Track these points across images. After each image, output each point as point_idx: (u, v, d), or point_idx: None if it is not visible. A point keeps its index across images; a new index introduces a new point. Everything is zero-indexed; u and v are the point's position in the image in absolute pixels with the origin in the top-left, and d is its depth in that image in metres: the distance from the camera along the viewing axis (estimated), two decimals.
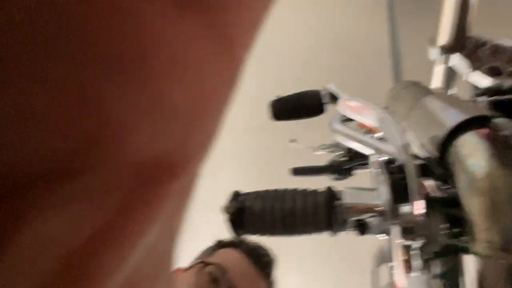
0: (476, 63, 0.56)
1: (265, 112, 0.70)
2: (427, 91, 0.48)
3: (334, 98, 0.60)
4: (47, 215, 0.09)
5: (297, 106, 0.62)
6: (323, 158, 0.89)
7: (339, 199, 0.44)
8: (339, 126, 0.73)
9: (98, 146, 0.09)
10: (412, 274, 0.38)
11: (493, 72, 0.54)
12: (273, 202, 0.46)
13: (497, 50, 0.58)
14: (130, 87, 0.09)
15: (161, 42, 0.09)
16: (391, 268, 0.37)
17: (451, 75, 0.71)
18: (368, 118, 0.49)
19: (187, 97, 0.10)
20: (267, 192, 0.47)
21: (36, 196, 0.09)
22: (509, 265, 0.26)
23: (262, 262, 0.80)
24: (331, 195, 0.44)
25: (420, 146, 0.45)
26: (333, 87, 0.59)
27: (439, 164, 0.39)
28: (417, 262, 0.38)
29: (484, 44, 0.61)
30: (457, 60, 0.62)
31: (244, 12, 0.10)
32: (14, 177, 0.08)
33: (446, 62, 0.68)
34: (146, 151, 0.09)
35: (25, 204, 0.09)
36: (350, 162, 0.80)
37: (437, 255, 0.40)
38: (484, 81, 0.52)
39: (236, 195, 0.47)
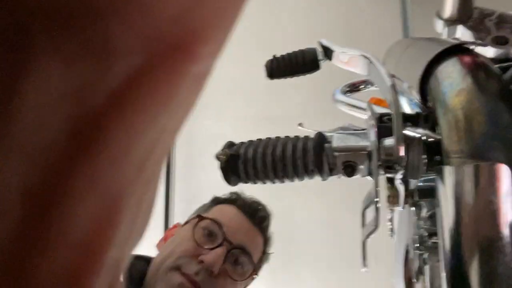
0: (481, 34, 0.56)
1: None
2: (419, 39, 0.49)
3: (328, 54, 0.60)
4: (57, 66, 0.08)
5: (292, 63, 0.63)
6: None
7: (329, 142, 0.45)
8: (341, 96, 0.73)
9: None
10: (398, 208, 0.39)
11: (499, 41, 0.54)
12: (264, 149, 0.47)
13: (503, 20, 0.59)
14: None
15: None
16: (376, 203, 0.38)
17: None
18: (358, 68, 0.50)
19: None
20: (260, 141, 0.49)
21: (41, 45, 0.08)
22: (478, 175, 0.27)
23: (258, 217, 0.82)
24: (320, 139, 0.45)
25: (408, 92, 0.46)
26: (324, 42, 0.60)
27: (424, 104, 0.40)
28: (401, 196, 0.39)
29: (490, 14, 0.61)
30: (461, 32, 0.62)
31: None
32: (16, 22, 0.07)
33: (450, 34, 0.68)
34: (163, 9, 0.08)
35: (30, 53, 0.08)
36: None
37: (421, 194, 0.41)
38: (489, 51, 0.53)
39: (230, 144, 0.49)
